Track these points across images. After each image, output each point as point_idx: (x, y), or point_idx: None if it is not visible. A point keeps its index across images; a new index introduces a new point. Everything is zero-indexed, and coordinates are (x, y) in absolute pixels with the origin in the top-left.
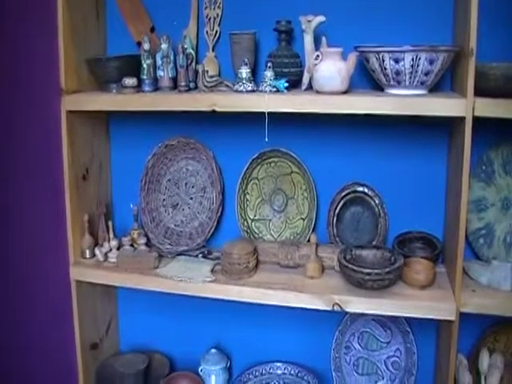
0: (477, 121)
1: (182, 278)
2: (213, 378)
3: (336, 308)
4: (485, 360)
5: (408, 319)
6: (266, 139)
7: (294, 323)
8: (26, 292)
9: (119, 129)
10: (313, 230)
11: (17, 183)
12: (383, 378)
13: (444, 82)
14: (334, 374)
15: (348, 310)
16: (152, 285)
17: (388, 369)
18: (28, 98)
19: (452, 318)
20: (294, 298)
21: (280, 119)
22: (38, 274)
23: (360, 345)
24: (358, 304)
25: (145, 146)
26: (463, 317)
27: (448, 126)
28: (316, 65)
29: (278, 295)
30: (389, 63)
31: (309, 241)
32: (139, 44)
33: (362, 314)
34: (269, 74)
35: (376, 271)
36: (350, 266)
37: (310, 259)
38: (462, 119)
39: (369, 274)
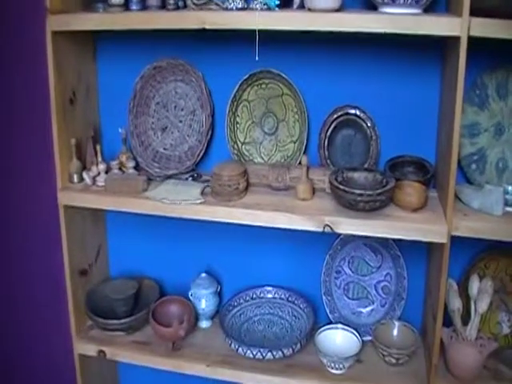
0: (471, 43)
1: (171, 200)
2: (203, 302)
3: (327, 229)
4: (475, 285)
5: (399, 244)
6: (257, 58)
7: (284, 247)
8: (14, 219)
9: (106, 51)
10: (304, 153)
11: (2, 107)
12: (373, 303)
13: (439, 4)
14: (324, 298)
15: (339, 231)
16: (141, 208)
17: (378, 293)
18: (11, 20)
19: (443, 240)
20: (285, 220)
21: (271, 39)
22: (25, 201)
23: (350, 269)
24: (349, 225)
25: (133, 68)
26: (454, 243)
27: (442, 47)
28: None
29: (268, 216)
30: None
31: (300, 163)
32: None
33: (353, 236)
34: None
35: (368, 192)
36: (342, 187)
37: (301, 181)
38: (456, 39)
39: (360, 195)
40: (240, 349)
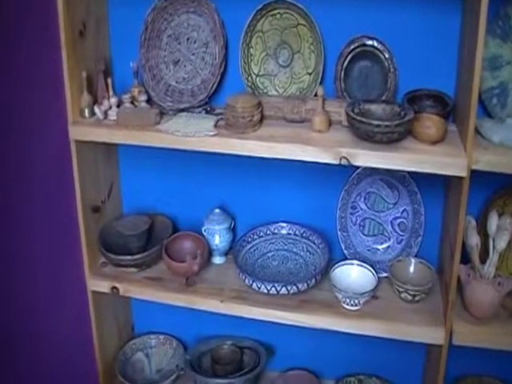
0: None
1: (184, 132)
2: (216, 237)
3: (343, 162)
4: (493, 222)
5: (416, 179)
6: None
7: (299, 183)
8: (24, 156)
9: None
10: (320, 84)
11: (10, 41)
12: (389, 240)
13: None
14: (339, 234)
15: (356, 163)
16: (153, 141)
17: (394, 230)
18: None
19: (463, 174)
20: (300, 151)
21: None
22: (35, 138)
23: (366, 205)
24: (366, 157)
25: (144, 0)
26: (472, 178)
27: None
28: None
29: (283, 148)
30: None
31: (315, 95)
32: None
33: (370, 171)
34: None
35: (386, 123)
36: (359, 118)
37: (317, 112)
38: None
39: (378, 126)
40: (254, 284)
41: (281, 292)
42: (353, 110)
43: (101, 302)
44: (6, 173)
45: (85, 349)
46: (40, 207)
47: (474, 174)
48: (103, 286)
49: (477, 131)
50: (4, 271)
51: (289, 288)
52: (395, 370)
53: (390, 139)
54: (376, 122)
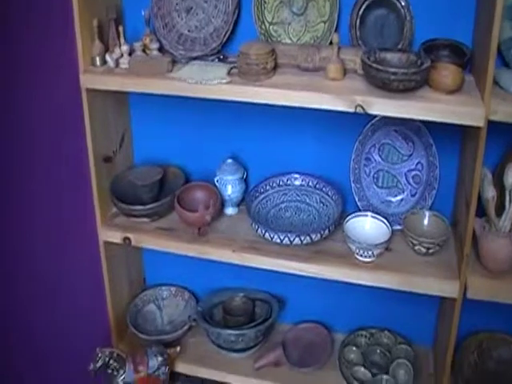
0: None
1: (197, 79)
2: (229, 188)
3: (358, 110)
4: (510, 174)
5: (431, 131)
6: None
7: (313, 134)
8: (35, 105)
9: None
10: (335, 31)
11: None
12: (403, 192)
13: None
14: (353, 185)
15: (371, 112)
16: (165, 88)
17: (409, 182)
18: None
19: (480, 124)
20: (315, 99)
21: None
22: (46, 85)
23: (381, 157)
24: (382, 105)
25: None
26: (489, 130)
27: None
28: None
29: (297, 96)
30: None
31: (330, 43)
32: None
33: (384, 121)
34: None
35: (402, 71)
36: (375, 65)
37: (332, 60)
38: None
39: (394, 73)
40: (267, 234)
41: (294, 242)
42: (368, 58)
43: (113, 252)
44: (15, 123)
45: (97, 300)
46: (51, 157)
47: (490, 126)
48: (115, 237)
49: (495, 82)
50: (14, 222)
51: (302, 238)
52: (407, 324)
53: (406, 87)
54: (393, 70)
